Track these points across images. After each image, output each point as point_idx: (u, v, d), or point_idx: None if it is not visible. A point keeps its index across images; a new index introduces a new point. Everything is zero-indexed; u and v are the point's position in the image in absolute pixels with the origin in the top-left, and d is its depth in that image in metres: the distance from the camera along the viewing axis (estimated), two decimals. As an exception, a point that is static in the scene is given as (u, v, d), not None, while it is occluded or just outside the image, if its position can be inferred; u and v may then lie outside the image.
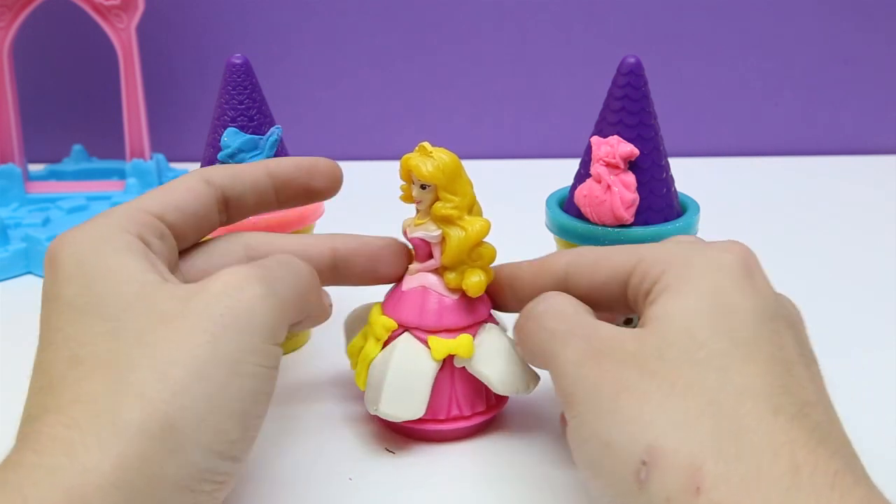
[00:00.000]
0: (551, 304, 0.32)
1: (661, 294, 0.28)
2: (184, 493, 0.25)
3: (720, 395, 0.25)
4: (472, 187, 0.35)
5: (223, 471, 0.27)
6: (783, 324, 0.28)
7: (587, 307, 0.32)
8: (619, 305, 0.32)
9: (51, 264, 0.29)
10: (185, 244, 0.33)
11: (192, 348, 0.26)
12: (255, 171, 0.34)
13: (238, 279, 0.28)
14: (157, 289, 0.28)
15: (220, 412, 0.26)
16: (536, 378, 0.36)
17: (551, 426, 0.37)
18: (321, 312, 0.34)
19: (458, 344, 0.35)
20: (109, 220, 0.30)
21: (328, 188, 0.36)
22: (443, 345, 0.35)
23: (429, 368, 0.35)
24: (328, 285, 0.35)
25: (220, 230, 0.34)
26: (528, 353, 0.33)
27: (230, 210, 0.34)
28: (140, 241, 0.30)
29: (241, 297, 0.28)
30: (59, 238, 0.30)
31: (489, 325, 0.36)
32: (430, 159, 0.34)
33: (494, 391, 0.35)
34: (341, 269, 0.36)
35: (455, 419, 0.36)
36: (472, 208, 0.35)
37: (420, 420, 0.35)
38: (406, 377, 0.34)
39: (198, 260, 0.33)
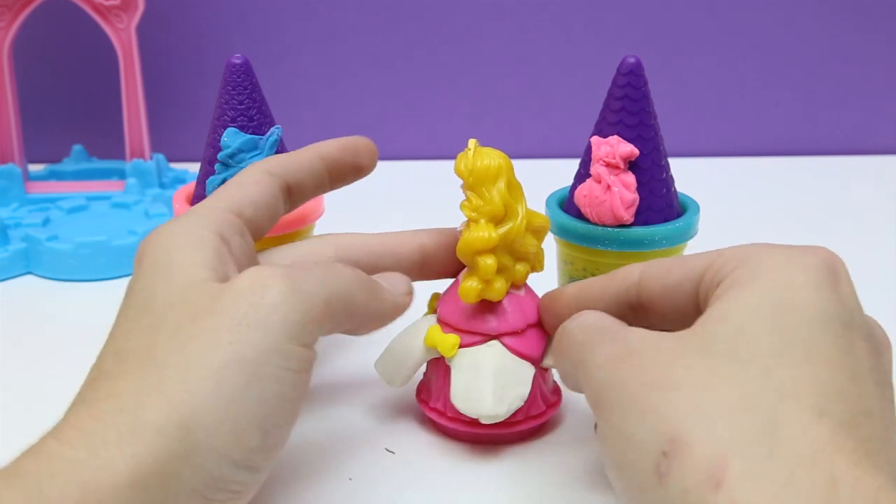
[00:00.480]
0: (583, 319, 0.31)
1: (727, 290, 0.26)
2: (196, 500, 0.25)
3: (758, 391, 0.23)
4: (503, 198, 0.34)
5: (239, 480, 0.26)
6: (858, 335, 0.25)
7: (622, 322, 0.30)
8: (689, 309, 0.29)
9: (136, 259, 0.30)
10: (258, 238, 0.33)
11: (214, 349, 0.26)
12: (310, 156, 0.34)
13: (262, 277, 0.28)
14: (198, 286, 0.28)
15: (239, 417, 0.26)
16: (499, 415, 0.34)
17: (566, 446, 0.36)
18: (380, 314, 0.33)
19: (442, 339, 0.35)
20: (191, 217, 0.30)
21: (370, 163, 0.36)
22: (434, 334, 0.35)
23: (418, 349, 0.36)
24: (415, 280, 0.35)
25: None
26: (562, 370, 0.32)
27: (292, 197, 0.34)
28: (218, 238, 0.29)
29: (264, 294, 0.27)
30: (148, 234, 0.30)
31: (495, 343, 0.35)
32: (466, 157, 0.34)
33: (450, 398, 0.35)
34: (429, 264, 0.36)
35: (438, 412, 0.36)
36: (502, 220, 0.34)
37: (419, 393, 0.37)
38: (401, 346, 0.36)
39: (285, 260, 0.33)
